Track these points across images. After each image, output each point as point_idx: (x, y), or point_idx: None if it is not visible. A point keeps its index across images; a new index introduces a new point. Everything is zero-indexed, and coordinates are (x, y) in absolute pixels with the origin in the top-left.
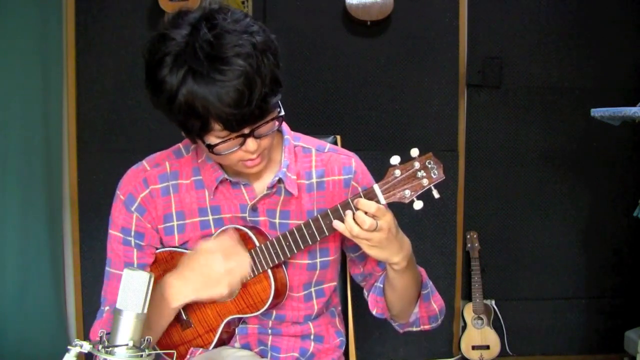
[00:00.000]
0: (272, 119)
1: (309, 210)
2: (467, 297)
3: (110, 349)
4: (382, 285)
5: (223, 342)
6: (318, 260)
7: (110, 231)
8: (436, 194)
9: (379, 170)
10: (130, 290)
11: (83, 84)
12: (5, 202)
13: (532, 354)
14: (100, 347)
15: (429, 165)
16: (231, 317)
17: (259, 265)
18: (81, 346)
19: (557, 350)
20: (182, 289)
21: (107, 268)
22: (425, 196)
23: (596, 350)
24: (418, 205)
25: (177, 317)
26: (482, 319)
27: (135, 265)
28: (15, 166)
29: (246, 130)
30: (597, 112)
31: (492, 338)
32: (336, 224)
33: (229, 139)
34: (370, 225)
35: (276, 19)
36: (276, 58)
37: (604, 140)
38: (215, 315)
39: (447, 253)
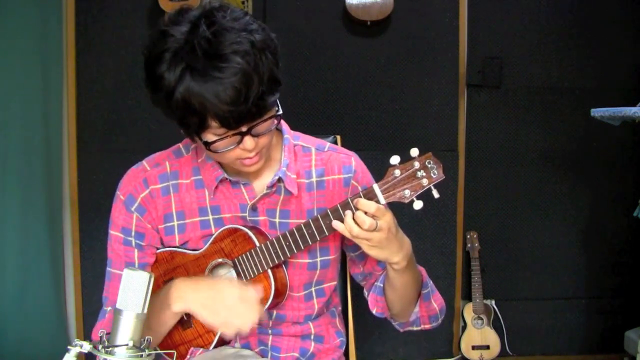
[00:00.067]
0: (270, 118)
1: (309, 210)
2: (467, 297)
3: (110, 349)
4: (382, 285)
5: (223, 342)
6: (318, 259)
7: (111, 231)
8: (436, 194)
9: (379, 170)
10: (130, 290)
11: (83, 84)
12: (5, 202)
13: (532, 354)
14: (100, 347)
15: (429, 165)
16: None
17: (259, 265)
18: (81, 346)
19: (557, 350)
20: (188, 295)
21: (108, 268)
22: (425, 196)
23: (596, 350)
24: (418, 205)
25: None
26: (482, 319)
27: (137, 265)
28: (15, 166)
29: (244, 128)
30: (597, 112)
31: (492, 338)
32: (336, 224)
33: (227, 137)
34: (370, 225)
35: (276, 18)
36: (275, 57)
37: (604, 140)
38: None
39: (447, 253)
